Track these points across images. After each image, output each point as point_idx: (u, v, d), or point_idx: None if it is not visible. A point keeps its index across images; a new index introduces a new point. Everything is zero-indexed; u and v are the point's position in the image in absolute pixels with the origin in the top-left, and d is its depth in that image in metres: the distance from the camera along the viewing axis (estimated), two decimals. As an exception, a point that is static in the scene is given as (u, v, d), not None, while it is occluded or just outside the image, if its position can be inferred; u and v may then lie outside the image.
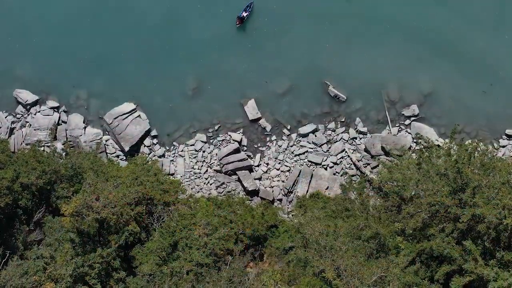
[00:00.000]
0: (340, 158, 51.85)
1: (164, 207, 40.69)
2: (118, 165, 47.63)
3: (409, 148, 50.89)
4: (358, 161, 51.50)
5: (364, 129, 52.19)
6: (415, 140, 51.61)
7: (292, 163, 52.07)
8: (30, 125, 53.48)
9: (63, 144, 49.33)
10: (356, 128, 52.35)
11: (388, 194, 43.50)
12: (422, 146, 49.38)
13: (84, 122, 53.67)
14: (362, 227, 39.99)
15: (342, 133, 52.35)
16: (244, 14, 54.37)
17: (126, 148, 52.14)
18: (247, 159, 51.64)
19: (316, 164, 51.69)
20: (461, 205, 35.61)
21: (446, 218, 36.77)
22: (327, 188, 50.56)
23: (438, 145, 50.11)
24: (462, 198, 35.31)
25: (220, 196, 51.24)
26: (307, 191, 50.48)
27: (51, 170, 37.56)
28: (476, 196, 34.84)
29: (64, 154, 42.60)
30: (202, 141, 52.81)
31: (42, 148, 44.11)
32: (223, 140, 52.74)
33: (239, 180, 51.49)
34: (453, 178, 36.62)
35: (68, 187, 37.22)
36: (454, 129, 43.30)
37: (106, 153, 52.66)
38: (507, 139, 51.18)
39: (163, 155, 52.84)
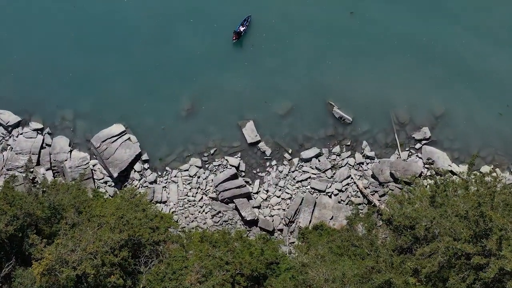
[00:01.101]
0: (346, 185, 48.30)
1: (153, 246, 36.88)
2: (103, 197, 43.79)
3: (420, 175, 47.28)
4: (365, 188, 47.89)
5: (372, 154, 48.71)
6: (426, 166, 48.03)
7: (294, 190, 48.50)
8: (12, 148, 49.70)
9: (42, 175, 45.47)
10: (362, 153, 48.87)
11: (398, 228, 39.98)
12: (435, 174, 46.06)
13: (69, 145, 49.93)
14: (371, 270, 36.24)
15: (347, 157, 48.88)
16: (241, 28, 50.89)
17: (115, 174, 48.46)
18: (245, 185, 48.03)
19: (320, 191, 48.11)
20: (484, 254, 31.80)
21: (466, 265, 32.98)
22: (331, 218, 46.86)
23: (451, 171, 46.81)
24: (486, 245, 31.50)
25: (216, 225, 47.64)
26: (310, 222, 46.81)
27: (24, 214, 33.42)
28: (502, 244, 31.01)
29: (41, 191, 38.53)
30: (196, 166, 49.24)
31: (18, 184, 39.88)
32: (219, 165, 49.21)
33: (236, 208, 47.83)
34: (475, 221, 32.82)
35: (39, 240, 32.42)
36: (472, 159, 39.53)
37: (93, 179, 48.94)
38: (526, 165, 47.68)
39: (155, 181, 49.20)
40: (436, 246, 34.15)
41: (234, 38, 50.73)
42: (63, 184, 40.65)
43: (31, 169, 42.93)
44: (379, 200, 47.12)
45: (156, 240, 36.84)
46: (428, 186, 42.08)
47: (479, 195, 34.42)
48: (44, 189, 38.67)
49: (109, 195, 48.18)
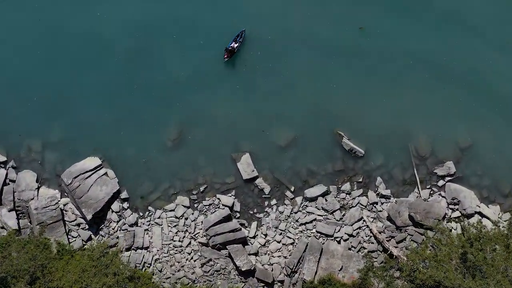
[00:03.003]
0: (357, 228, 42.00)
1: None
2: (70, 251, 36.98)
3: (444, 217, 40.93)
4: (380, 232, 41.49)
5: (387, 192, 42.52)
6: (451, 206, 41.68)
7: (297, 234, 42.19)
8: (-31, 186, 43.07)
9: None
10: (377, 191, 42.69)
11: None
12: (461, 217, 39.92)
13: (37, 181, 43.44)
14: None
15: (359, 196, 42.67)
16: (234, 45, 44.96)
17: (89, 216, 41.88)
18: (240, 229, 41.68)
19: (327, 236, 41.77)
20: None
21: None
22: (340, 269, 40.38)
23: (480, 213, 40.63)
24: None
25: (207, 275, 41.19)
26: (316, 273, 40.30)
27: None
28: None
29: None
30: (184, 206, 42.99)
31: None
32: (210, 204, 42.98)
33: (230, 256, 41.37)
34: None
35: None
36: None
37: (64, 221, 42.31)
38: None
39: (136, 223, 42.77)
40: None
41: (225, 56, 45.00)
42: (18, 241, 33.72)
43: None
44: (396, 247, 40.61)
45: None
46: (456, 235, 35.91)
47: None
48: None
49: (83, 242, 41.64)
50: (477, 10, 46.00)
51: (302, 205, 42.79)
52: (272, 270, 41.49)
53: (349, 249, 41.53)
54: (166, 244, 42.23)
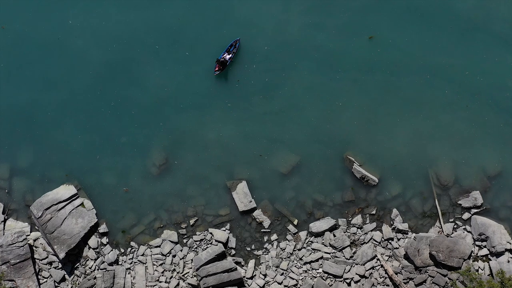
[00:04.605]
0: (370, 268, 37.03)
1: None
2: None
3: (470, 255, 35.81)
4: (396, 273, 36.45)
5: (404, 226, 37.52)
6: (477, 243, 36.56)
7: (301, 274, 37.27)
8: None
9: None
10: (392, 225, 37.76)
11: None
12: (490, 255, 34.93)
13: (3, 213, 38.57)
14: None
15: (372, 231, 37.75)
16: (227, 56, 40.39)
17: (62, 254, 36.88)
18: (235, 268, 36.77)
19: (335, 276, 36.81)
20: None
21: None
22: (352, 317, 35.15)
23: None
24: None
25: (197, 323, 35.99)
26: (324, 321, 35.08)
27: None
28: None
29: None
30: (171, 242, 38.16)
31: None
32: (201, 240, 38.17)
33: (224, 300, 36.32)
34: None
35: None
36: None
37: (34, 260, 37.47)
38: None
39: (116, 261, 37.84)
40: None
41: (216, 69, 40.32)
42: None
43: None
44: (415, 291, 35.50)
45: None
46: (486, 281, 30.90)
47: None
48: None
49: (55, 283, 36.66)
50: (505, 18, 40.98)
51: (307, 241, 37.82)
52: (272, 317, 36.42)
53: (361, 292, 36.44)
54: (151, 286, 37.34)
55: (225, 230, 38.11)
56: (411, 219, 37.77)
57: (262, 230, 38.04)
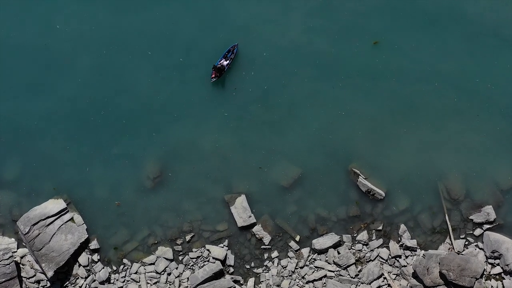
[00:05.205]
0: (377, 287, 35.21)
1: None
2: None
3: (482, 274, 34.10)
4: (404, 293, 34.68)
5: (413, 243, 35.93)
6: (490, 261, 34.92)
7: (303, 293, 35.66)
8: None
9: None
10: (400, 241, 36.16)
11: None
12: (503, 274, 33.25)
13: (-12, 229, 36.98)
14: None
15: (378, 248, 36.15)
16: (224, 62, 39.04)
17: (50, 273, 35.36)
18: (234, 287, 35.16)
19: (340, 296, 35.02)
20: None
21: None
22: None
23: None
24: None
25: None
26: None
27: None
28: None
29: None
30: (166, 259, 36.64)
31: None
32: (198, 257, 36.61)
33: (222, 321, 34.66)
34: None
35: None
36: None
37: (20, 278, 35.83)
38: None
39: (108, 280, 36.35)
40: None
41: (213, 75, 39.01)
42: None
43: None
44: (425, 312, 33.79)
45: None
46: None
47: None
48: None
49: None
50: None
51: (310, 258, 36.31)
52: None
53: (367, 313, 34.77)
54: (145, 306, 35.60)
55: (223, 247, 36.56)
56: (419, 235, 36.18)
57: (262, 246, 36.53)
